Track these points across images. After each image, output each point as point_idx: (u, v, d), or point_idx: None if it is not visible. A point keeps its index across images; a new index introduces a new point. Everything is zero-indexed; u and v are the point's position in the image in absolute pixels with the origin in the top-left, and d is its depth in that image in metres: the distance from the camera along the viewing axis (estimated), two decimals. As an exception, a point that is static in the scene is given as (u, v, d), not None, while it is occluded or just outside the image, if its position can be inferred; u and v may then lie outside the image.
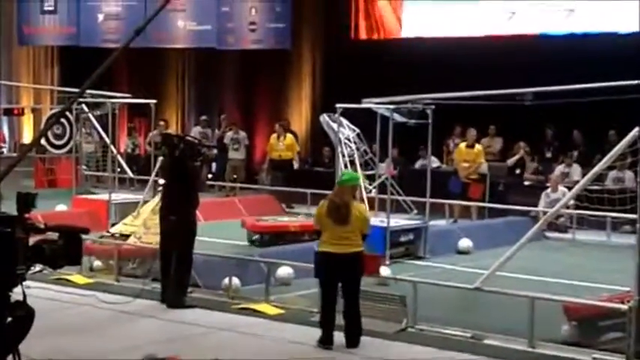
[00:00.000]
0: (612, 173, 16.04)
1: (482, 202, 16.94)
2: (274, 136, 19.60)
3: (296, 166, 19.74)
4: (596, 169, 9.49)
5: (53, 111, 19.66)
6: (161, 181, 12.06)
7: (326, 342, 8.50)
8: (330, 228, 8.46)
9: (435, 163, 18.32)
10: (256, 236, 14.21)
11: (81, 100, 17.07)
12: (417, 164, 18.75)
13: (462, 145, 17.35)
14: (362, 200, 14.30)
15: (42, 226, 5.11)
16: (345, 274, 8.47)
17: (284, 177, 19.25)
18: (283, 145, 19.38)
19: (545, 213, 12.57)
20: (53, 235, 5.19)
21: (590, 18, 17.99)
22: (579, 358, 8.22)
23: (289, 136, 19.61)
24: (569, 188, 14.37)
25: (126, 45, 5.13)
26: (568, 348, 8.43)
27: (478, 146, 17.20)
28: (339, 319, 8.56)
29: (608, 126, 16.73)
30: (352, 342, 8.48)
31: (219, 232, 14.49)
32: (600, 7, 17.81)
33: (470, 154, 17.03)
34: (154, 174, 14.16)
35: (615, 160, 9.47)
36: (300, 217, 15.43)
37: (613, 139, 15.66)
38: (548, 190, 16.34)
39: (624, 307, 8.21)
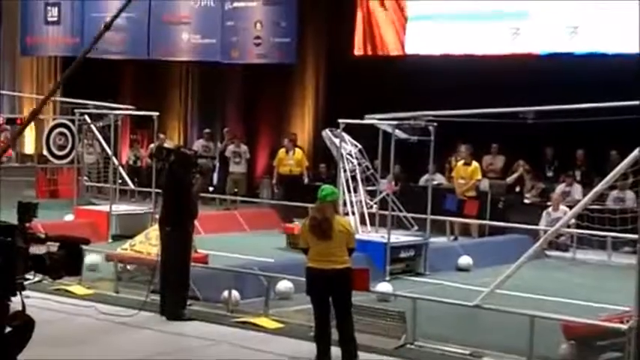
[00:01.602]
0: (613, 193, 16.04)
1: (478, 220, 16.95)
2: (283, 150, 19.55)
3: (306, 181, 19.65)
4: (598, 188, 9.48)
5: (56, 121, 19.66)
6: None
7: (321, 359, 8.44)
8: (314, 245, 8.32)
9: (437, 180, 18.34)
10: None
11: (84, 110, 17.12)
12: (422, 180, 18.74)
13: (460, 162, 17.39)
14: (362, 215, 14.34)
15: (43, 236, 5.12)
16: (333, 290, 8.35)
17: (292, 191, 19.10)
18: (293, 160, 19.35)
19: (546, 231, 12.57)
20: (54, 246, 5.20)
21: (593, 38, 18.02)
22: (578, 377, 8.21)
23: (298, 150, 19.56)
24: (570, 207, 14.37)
25: (95, 41, 5.14)
26: (566, 367, 8.42)
27: (475, 164, 17.23)
28: (335, 334, 8.52)
29: (609, 146, 16.74)
30: (347, 357, 8.41)
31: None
32: (604, 28, 17.84)
33: (466, 172, 17.08)
34: (154, 186, 14.20)
35: (616, 180, 9.47)
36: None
37: (615, 158, 15.66)
38: (550, 208, 16.34)
39: (624, 326, 8.20)
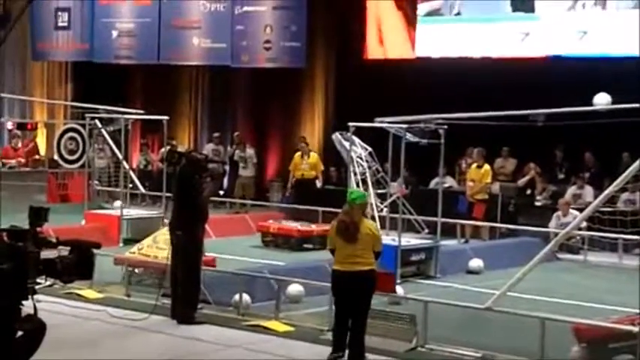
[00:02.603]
0: (624, 195, 15.99)
1: (489, 222, 16.94)
2: (298, 154, 19.58)
3: (319, 185, 19.59)
4: (609, 190, 9.46)
5: (66, 126, 19.72)
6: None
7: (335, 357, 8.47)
8: (341, 247, 8.47)
9: (448, 183, 18.33)
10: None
11: (95, 115, 17.17)
12: (432, 183, 18.73)
13: (474, 165, 17.40)
14: (372, 218, 14.33)
15: (54, 240, 5.14)
16: (356, 292, 8.44)
17: (304, 195, 19.10)
18: (307, 165, 19.34)
19: (557, 234, 12.53)
20: (65, 250, 5.22)
21: (603, 40, 17.99)
22: (590, 380, 8.18)
23: (313, 154, 19.55)
24: (581, 210, 14.33)
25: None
26: (578, 370, 8.40)
27: (486, 167, 17.23)
28: None
29: (621, 148, 16.71)
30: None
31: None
32: (613, 30, 17.81)
33: (477, 174, 17.08)
34: (164, 190, 14.23)
35: (627, 182, 9.45)
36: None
37: (626, 160, 15.62)
38: (559, 212, 16.30)
39: (635, 329, 8.17)
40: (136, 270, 11.99)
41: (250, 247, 15.44)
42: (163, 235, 11.78)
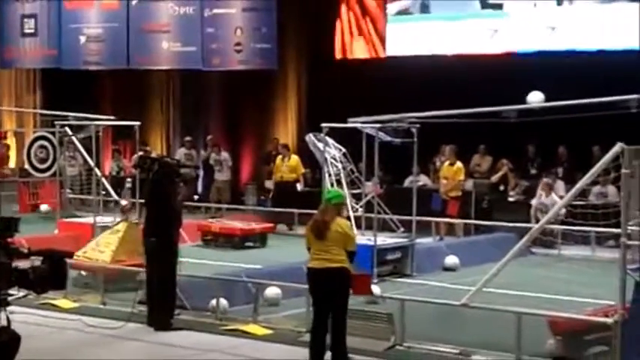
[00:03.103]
0: (596, 188, 16.10)
1: (463, 219, 17.02)
2: (280, 157, 19.57)
3: (300, 187, 19.60)
4: (580, 184, 9.53)
5: (36, 134, 19.57)
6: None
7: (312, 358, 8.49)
8: (313, 244, 8.56)
9: (422, 181, 18.39)
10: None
11: (64, 122, 17.04)
12: (406, 182, 18.79)
13: (446, 163, 17.48)
14: (348, 218, 14.34)
15: (26, 250, 5.10)
16: (328, 290, 8.46)
17: (283, 198, 19.07)
18: (286, 167, 19.32)
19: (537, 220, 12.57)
20: (37, 260, 5.18)
21: (571, 36, 18.11)
22: (566, 372, 8.24)
23: (294, 157, 19.51)
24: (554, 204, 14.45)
25: None
26: (554, 363, 8.46)
27: (459, 164, 17.31)
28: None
29: (591, 142, 16.83)
30: None
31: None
32: (581, 25, 17.94)
33: (450, 171, 17.17)
34: (138, 196, 14.17)
35: (599, 175, 9.51)
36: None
37: (597, 154, 15.73)
38: (541, 191, 16.43)
39: (609, 320, 8.24)
40: (82, 273, 12.11)
41: (192, 246, 15.51)
42: (104, 238, 12.37)
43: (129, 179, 19.99)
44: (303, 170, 19.57)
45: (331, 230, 8.42)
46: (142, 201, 12.67)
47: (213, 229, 16.58)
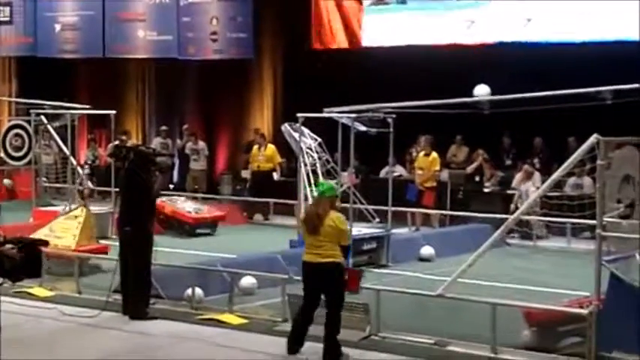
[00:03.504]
0: (571, 180, 16.21)
1: (439, 210, 17.10)
2: (256, 146, 19.52)
3: (276, 177, 19.57)
4: (556, 175, 9.59)
5: (11, 123, 19.43)
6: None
7: (290, 346, 8.55)
8: (306, 237, 8.59)
9: (397, 171, 18.43)
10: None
11: (40, 111, 16.94)
12: (382, 172, 18.83)
13: (421, 153, 17.52)
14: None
15: (1, 239, 5.08)
16: (320, 284, 8.51)
17: (259, 187, 19.05)
18: (263, 157, 19.28)
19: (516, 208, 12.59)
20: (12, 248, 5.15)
21: (547, 27, 18.19)
22: (541, 363, 8.31)
23: (270, 146, 19.45)
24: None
25: None
26: (530, 353, 8.51)
27: (434, 154, 17.36)
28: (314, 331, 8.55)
29: (567, 133, 16.93)
30: (325, 357, 8.41)
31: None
32: (557, 17, 18.02)
33: (425, 162, 17.22)
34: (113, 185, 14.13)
35: (574, 166, 9.57)
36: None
37: (573, 145, 15.83)
38: (522, 174, 16.55)
39: (584, 311, 8.30)
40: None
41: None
42: (59, 223, 12.58)
43: (86, 165, 19.99)
44: (279, 159, 19.55)
45: (324, 225, 8.42)
46: (118, 190, 12.66)
47: (167, 210, 16.47)
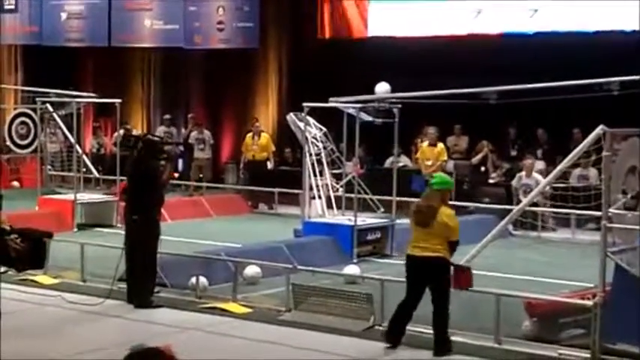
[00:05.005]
0: (577, 171, 16.18)
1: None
2: (249, 135, 19.50)
3: (270, 166, 19.57)
4: (561, 166, 9.59)
5: (17, 111, 19.45)
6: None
7: (388, 339, 8.45)
8: (414, 230, 8.39)
9: (402, 162, 18.41)
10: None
11: (46, 99, 16.95)
12: (387, 162, 18.80)
13: (425, 144, 17.47)
14: (328, 198, 14.37)
15: (7, 228, 5.08)
16: (425, 279, 8.32)
17: (255, 177, 19.07)
18: (257, 146, 19.27)
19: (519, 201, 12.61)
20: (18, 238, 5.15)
21: (553, 17, 18.14)
22: (545, 354, 8.29)
23: (264, 135, 19.46)
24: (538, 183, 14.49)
25: None
26: (533, 344, 8.50)
27: (441, 145, 17.32)
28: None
29: (573, 124, 16.89)
30: (435, 350, 8.33)
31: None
32: (563, 7, 17.97)
33: (432, 153, 17.18)
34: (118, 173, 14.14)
35: (579, 157, 9.57)
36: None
37: (578, 137, 15.79)
38: (522, 173, 16.49)
39: (589, 303, 8.29)
40: None
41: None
42: None
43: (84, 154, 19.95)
44: (273, 148, 19.56)
45: (437, 220, 8.23)
46: (123, 178, 12.68)
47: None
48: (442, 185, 8.51)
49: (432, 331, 8.61)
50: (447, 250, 8.29)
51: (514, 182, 16.60)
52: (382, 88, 13.38)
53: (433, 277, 8.29)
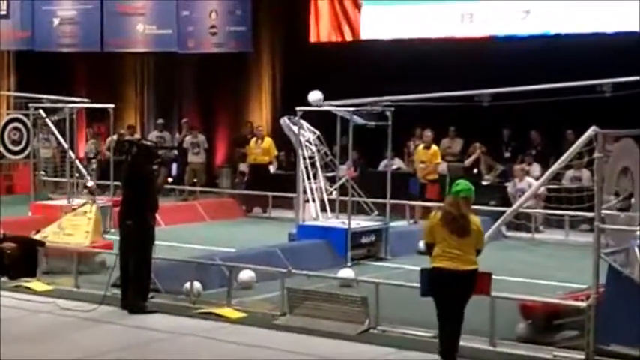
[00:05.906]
0: (570, 172, 16.21)
1: (435, 203, 17.06)
2: (253, 139, 19.53)
3: (272, 170, 19.54)
4: (554, 168, 9.60)
5: (10, 117, 19.43)
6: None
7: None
8: (446, 240, 7.78)
9: (396, 164, 18.43)
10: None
11: (38, 105, 16.93)
12: (381, 165, 18.82)
13: (420, 146, 17.51)
14: (322, 201, 14.38)
15: (1, 235, 5.08)
16: (458, 292, 7.83)
17: (256, 181, 19.06)
18: (260, 150, 19.28)
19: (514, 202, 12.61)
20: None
21: (545, 20, 18.18)
22: (539, 355, 8.30)
23: (267, 139, 19.47)
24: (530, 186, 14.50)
25: None
26: (528, 346, 8.51)
27: (434, 147, 17.35)
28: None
29: (566, 126, 16.93)
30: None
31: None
32: (554, 9, 18.01)
33: (426, 155, 17.20)
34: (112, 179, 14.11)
35: (572, 159, 9.58)
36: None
37: (570, 138, 15.83)
38: (516, 178, 16.52)
39: (583, 304, 8.30)
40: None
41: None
42: (69, 221, 12.32)
43: (94, 160, 19.98)
44: (276, 152, 19.56)
45: (470, 227, 7.80)
46: (117, 183, 12.67)
47: None
48: (468, 192, 8.03)
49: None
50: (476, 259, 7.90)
51: (509, 189, 16.61)
52: (315, 96, 13.50)
53: (466, 291, 7.82)
